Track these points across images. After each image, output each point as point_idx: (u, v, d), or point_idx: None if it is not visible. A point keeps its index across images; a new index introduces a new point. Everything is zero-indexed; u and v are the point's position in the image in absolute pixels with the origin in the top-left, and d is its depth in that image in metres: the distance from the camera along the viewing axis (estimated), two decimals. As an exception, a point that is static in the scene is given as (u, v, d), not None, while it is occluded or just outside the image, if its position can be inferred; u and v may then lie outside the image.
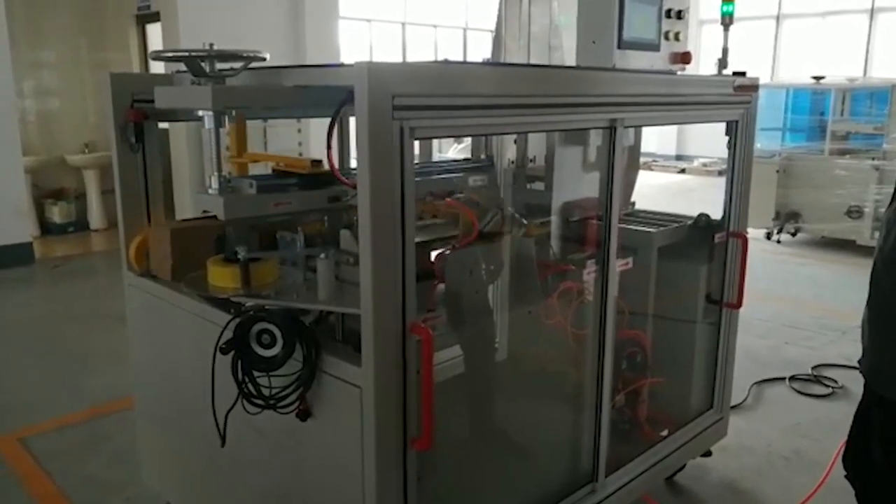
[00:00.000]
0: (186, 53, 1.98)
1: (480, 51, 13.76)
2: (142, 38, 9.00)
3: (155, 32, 8.56)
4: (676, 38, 2.50)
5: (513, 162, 3.01)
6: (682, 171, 14.46)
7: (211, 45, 2.00)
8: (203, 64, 2.00)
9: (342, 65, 1.68)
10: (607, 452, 2.40)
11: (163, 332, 2.43)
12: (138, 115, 2.45)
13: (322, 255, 1.73)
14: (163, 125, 2.82)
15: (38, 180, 8.24)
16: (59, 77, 8.62)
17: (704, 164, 14.27)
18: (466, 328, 2.13)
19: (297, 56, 7.82)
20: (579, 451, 2.43)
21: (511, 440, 2.38)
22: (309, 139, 7.48)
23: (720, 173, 14.17)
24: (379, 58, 8.60)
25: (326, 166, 1.99)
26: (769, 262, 6.83)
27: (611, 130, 2.19)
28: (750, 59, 13.30)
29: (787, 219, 7.58)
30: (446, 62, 1.69)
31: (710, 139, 13.78)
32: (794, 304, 5.57)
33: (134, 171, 2.50)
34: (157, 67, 8.53)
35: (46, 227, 8.32)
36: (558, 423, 2.51)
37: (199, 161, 7.44)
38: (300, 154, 7.69)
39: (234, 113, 2.14)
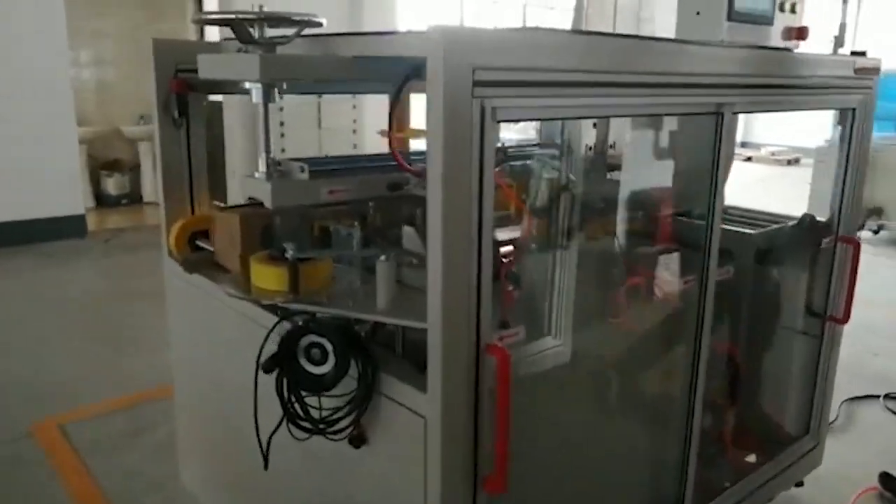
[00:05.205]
0: (233, 16, 1.73)
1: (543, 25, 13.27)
2: (198, 6, 8.87)
3: (211, 1, 8.42)
4: (793, 9, 2.16)
5: (591, 148, 2.70)
6: (749, 159, 13.77)
7: (261, 6, 1.76)
8: (251, 29, 1.76)
9: (413, 32, 1.41)
10: (695, 482, 2.12)
11: (204, 326, 2.22)
12: (182, 86, 2.23)
13: (382, 258, 1.47)
14: (215, 98, 2.61)
15: (93, 151, 8.22)
16: (116, 47, 8.55)
17: (773, 153, 13.59)
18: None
19: (353, 24, 7.55)
20: (664, 481, 2.15)
21: (590, 466, 2.10)
22: (364, 117, 7.24)
23: (789, 163, 13.49)
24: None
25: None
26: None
27: (717, 116, 1.88)
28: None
29: (868, 215, 7.06)
30: (536, 29, 1.41)
31: (778, 126, 13.15)
32: (879, 309, 5.13)
33: (177, 149, 2.29)
34: (213, 37, 8.40)
35: (101, 199, 8.31)
36: (641, 448, 2.22)
37: (254, 138, 7.28)
38: (354, 132, 7.48)
39: (285, 86, 1.90)
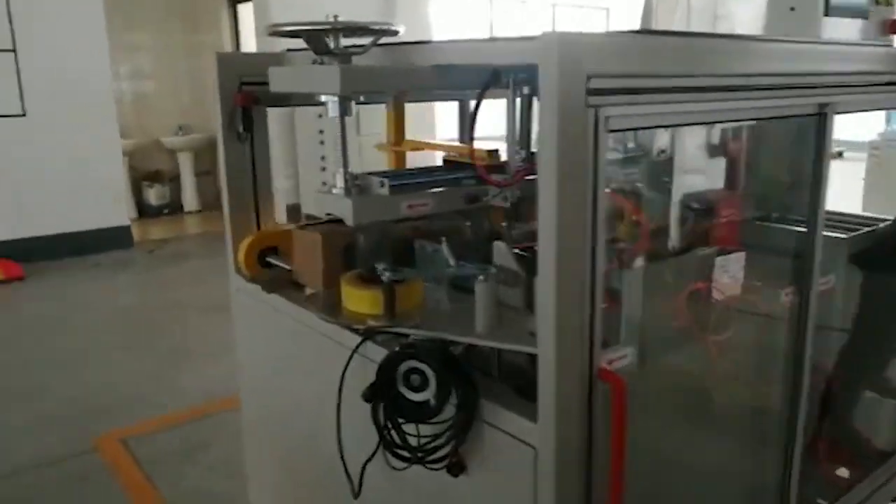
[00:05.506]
0: (309, 27, 1.67)
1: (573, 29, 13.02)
2: (233, 18, 8.91)
3: (246, 13, 8.44)
4: (888, 2, 2.04)
5: (664, 151, 2.60)
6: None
7: (335, 16, 1.69)
8: (327, 39, 1.69)
9: (519, 38, 1.33)
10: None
11: (276, 344, 2.16)
12: (247, 100, 2.18)
13: (481, 277, 1.39)
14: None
15: (134, 162, 8.29)
16: (153, 60, 8.62)
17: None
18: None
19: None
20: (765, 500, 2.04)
21: (687, 488, 2.00)
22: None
23: (832, 157, 13.13)
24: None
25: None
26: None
27: (819, 118, 1.77)
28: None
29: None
30: (650, 33, 1.32)
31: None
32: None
33: (242, 163, 2.25)
34: (249, 48, 8.39)
35: (142, 209, 8.38)
36: (739, 466, 2.11)
37: (292, 149, 7.25)
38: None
39: (362, 97, 1.84)
